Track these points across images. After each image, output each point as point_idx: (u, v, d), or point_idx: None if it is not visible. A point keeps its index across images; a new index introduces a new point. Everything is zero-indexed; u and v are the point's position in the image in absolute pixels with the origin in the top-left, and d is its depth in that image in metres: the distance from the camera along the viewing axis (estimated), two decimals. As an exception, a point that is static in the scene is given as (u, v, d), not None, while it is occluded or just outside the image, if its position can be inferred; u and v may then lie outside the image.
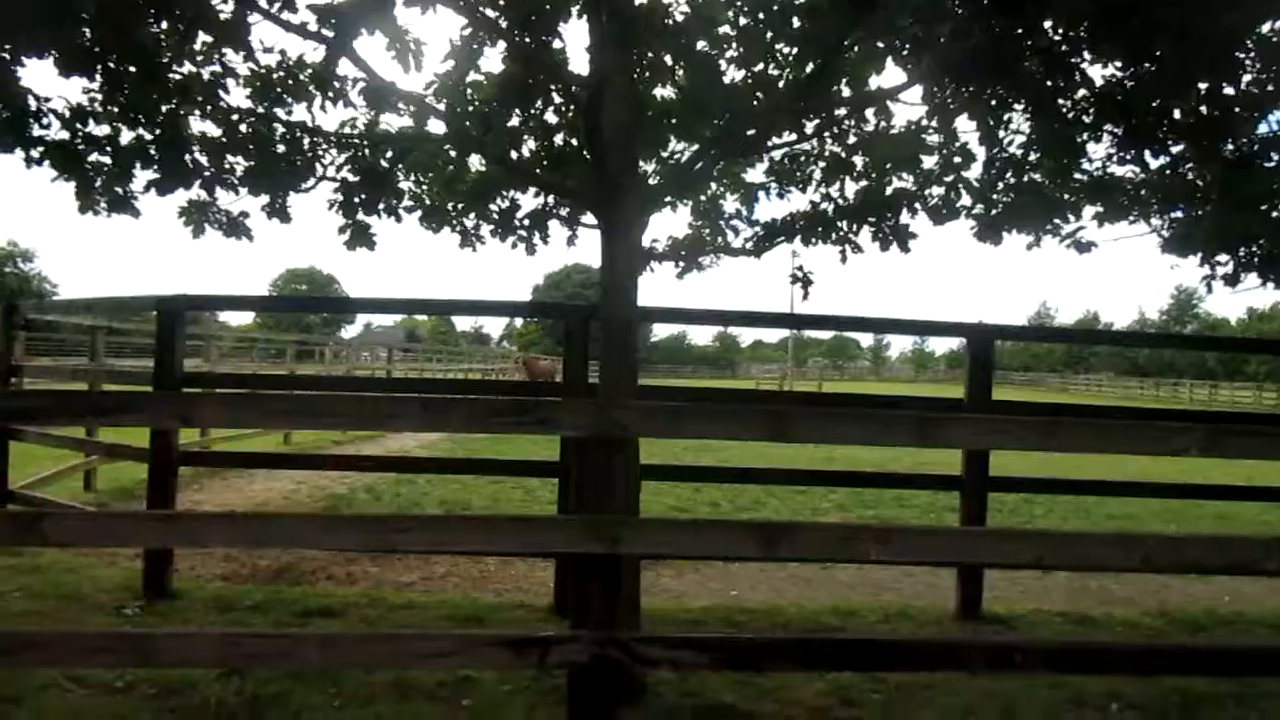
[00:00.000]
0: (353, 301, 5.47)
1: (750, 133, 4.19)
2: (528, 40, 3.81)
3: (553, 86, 4.31)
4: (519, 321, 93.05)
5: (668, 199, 4.67)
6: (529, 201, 5.04)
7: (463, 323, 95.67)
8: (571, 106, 4.33)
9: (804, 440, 2.81)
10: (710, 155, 4.25)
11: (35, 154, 4.15)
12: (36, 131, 4.06)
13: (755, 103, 4.20)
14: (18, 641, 2.60)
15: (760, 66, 4.23)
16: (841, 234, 5.05)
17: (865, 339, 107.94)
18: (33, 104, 3.99)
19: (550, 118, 4.58)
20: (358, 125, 4.56)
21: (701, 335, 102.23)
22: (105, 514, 2.95)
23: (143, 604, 5.35)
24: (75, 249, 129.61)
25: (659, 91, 4.57)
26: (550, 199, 4.93)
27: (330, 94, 4.35)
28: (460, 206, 4.95)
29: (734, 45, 4.21)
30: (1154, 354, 69.33)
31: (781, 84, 4.21)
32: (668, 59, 4.22)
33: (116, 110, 4.42)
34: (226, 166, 4.44)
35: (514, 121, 4.51)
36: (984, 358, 5.67)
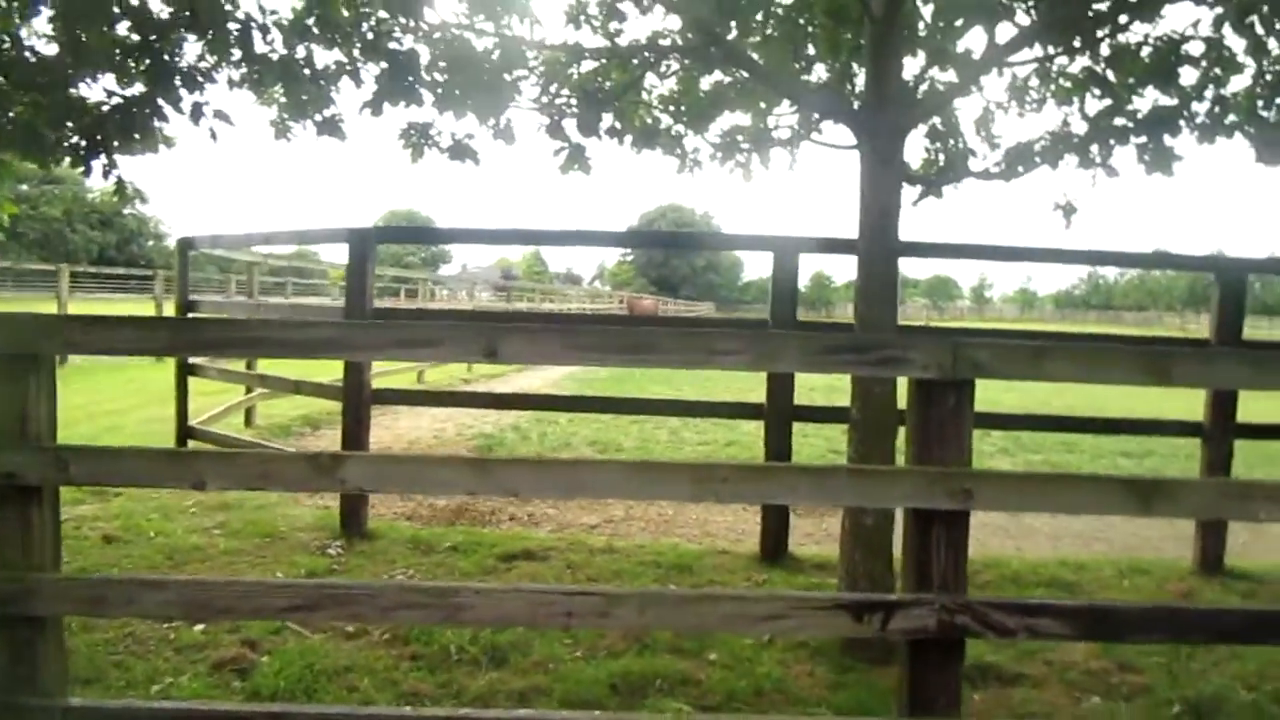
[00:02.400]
0: (554, 233, 5.22)
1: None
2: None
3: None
4: (610, 262, 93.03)
5: (935, 111, 4.24)
6: (745, 123, 4.65)
7: (555, 263, 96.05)
8: (833, 10, 3.91)
9: (1186, 383, 2.43)
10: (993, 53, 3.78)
11: (251, 73, 3.97)
12: (260, 48, 3.87)
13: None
14: (320, 595, 2.42)
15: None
16: (1094, 157, 4.55)
17: (967, 279, 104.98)
18: (257, 17, 3.80)
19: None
20: (577, 39, 4.24)
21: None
22: (408, 458, 2.75)
23: (343, 544, 5.29)
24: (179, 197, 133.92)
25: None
26: (776, 120, 4.54)
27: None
28: (682, 128, 4.60)
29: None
30: (1286, 293, 65.47)
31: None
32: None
33: (321, 28, 4.22)
34: (442, 86, 4.17)
35: (768, 29, 4.11)
36: (1238, 294, 5.12)
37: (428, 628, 3.84)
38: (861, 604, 2.46)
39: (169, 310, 8.64)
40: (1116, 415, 6.23)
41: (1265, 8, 4.33)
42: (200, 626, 3.83)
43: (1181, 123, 4.52)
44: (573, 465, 2.72)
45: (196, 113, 4.09)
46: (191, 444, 6.97)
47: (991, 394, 6.79)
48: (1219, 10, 4.24)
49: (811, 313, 78.11)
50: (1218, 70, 4.69)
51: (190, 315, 6.92)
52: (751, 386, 5.74)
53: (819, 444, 9.06)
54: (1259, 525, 6.11)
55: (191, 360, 7.06)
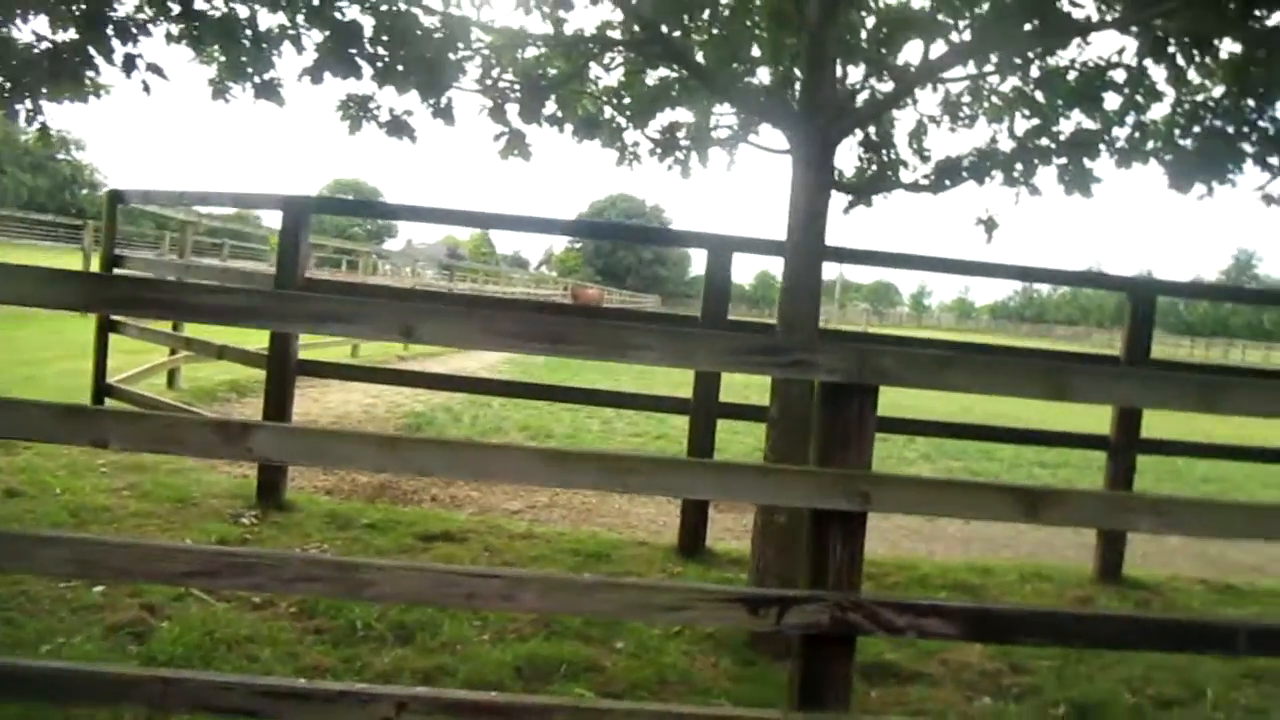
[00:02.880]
0: (491, 216, 5.21)
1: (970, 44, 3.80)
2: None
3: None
4: (558, 248, 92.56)
5: (866, 121, 4.32)
6: (688, 119, 4.69)
7: (503, 245, 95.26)
8: (776, 15, 3.96)
9: (1083, 400, 2.53)
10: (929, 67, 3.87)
11: (189, 29, 3.89)
12: (199, 5, 3.80)
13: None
14: (220, 562, 2.40)
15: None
16: (1019, 175, 4.69)
17: (907, 287, 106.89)
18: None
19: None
20: (524, 24, 4.24)
21: (744, 274, 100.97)
22: (317, 431, 2.73)
23: (257, 513, 5.22)
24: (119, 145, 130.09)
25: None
26: (717, 119, 4.59)
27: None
28: (623, 121, 4.62)
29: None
30: (1207, 314, 68.02)
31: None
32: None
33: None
34: (383, 60, 4.13)
35: (714, 29, 4.15)
36: (1146, 314, 5.32)
37: (337, 602, 3.82)
38: (758, 598, 2.53)
39: (95, 263, 8.40)
40: (1045, 426, 6.44)
41: (1185, 39, 4.52)
42: (100, 588, 3.77)
43: (1102, 147, 4.68)
44: (481, 449, 2.74)
45: (129, 64, 4.00)
46: (109, 402, 6.82)
47: (926, 401, 7.00)
48: (1142, 40, 4.39)
49: (755, 311, 78.72)
50: (1139, 98, 4.87)
51: (114, 270, 6.76)
52: (690, 381, 5.78)
53: (750, 441, 9.17)
54: (1162, 537, 6.39)
55: (114, 317, 6.90)
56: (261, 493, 5.39)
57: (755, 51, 4.31)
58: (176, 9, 3.96)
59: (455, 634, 3.78)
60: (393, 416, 9.60)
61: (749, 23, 4.21)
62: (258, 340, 7.06)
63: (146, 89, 4.10)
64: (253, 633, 3.56)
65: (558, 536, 5.41)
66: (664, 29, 3.84)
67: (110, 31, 4.02)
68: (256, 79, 4.26)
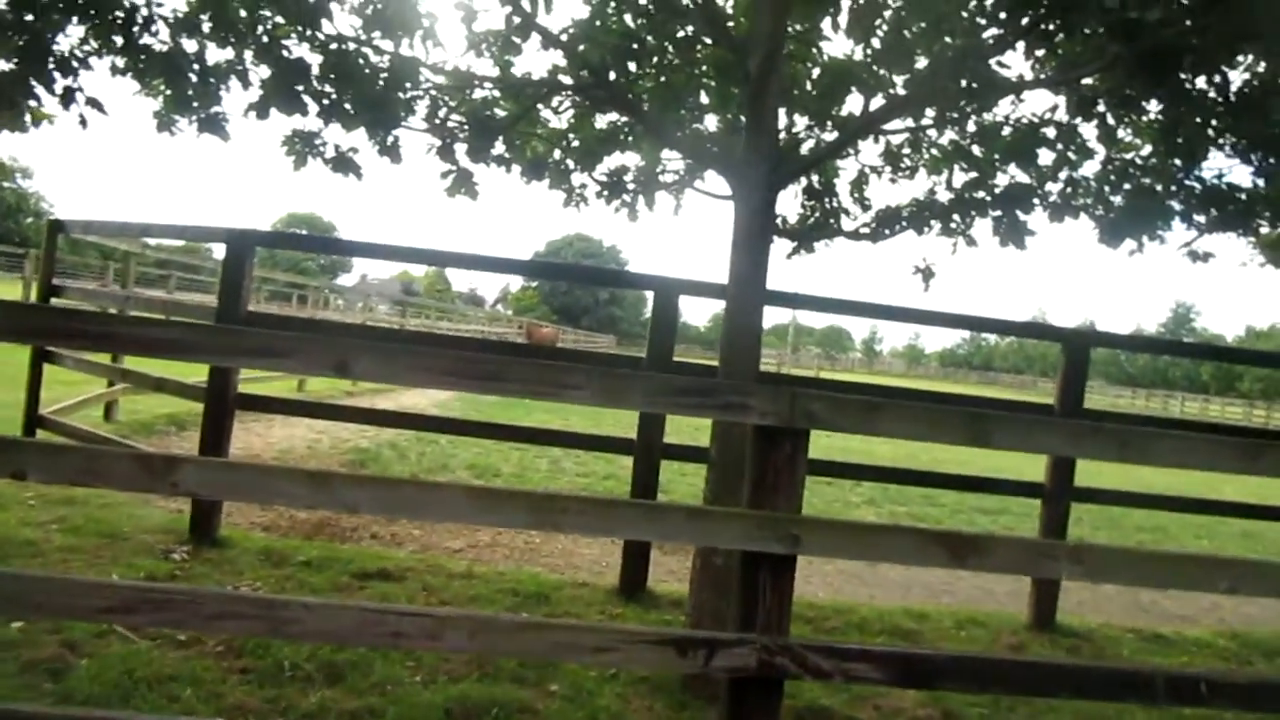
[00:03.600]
0: (437, 254, 5.18)
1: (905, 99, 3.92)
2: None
3: (706, 40, 4.02)
4: (515, 286, 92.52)
5: (807, 170, 4.42)
6: (636, 164, 4.77)
7: (458, 282, 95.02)
8: (720, 66, 4.05)
9: (1005, 448, 2.59)
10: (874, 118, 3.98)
11: (134, 63, 3.87)
12: (145, 39, 3.78)
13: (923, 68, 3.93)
14: (138, 598, 2.35)
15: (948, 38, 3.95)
16: (956, 226, 4.81)
17: (859, 332, 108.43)
18: (143, 9, 3.71)
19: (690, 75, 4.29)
20: (474, 66, 4.27)
21: (699, 316, 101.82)
22: (247, 466, 2.70)
23: (189, 549, 5.11)
24: (71, 173, 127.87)
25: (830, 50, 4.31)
26: (664, 164, 4.66)
27: (463, 24, 4.03)
28: (571, 163, 4.68)
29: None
30: (1147, 365, 69.81)
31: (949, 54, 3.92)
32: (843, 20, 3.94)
33: (214, 26, 4.15)
34: (329, 97, 4.15)
35: (661, 77, 4.22)
36: (1080, 364, 5.46)
37: (265, 641, 3.75)
38: (687, 640, 2.53)
39: (35, 292, 8.24)
40: (991, 472, 6.54)
41: (1113, 99, 4.69)
42: (18, 624, 3.65)
43: (1036, 201, 4.82)
44: (413, 486, 2.73)
45: (68, 97, 3.97)
46: (40, 434, 6.66)
47: (873, 445, 7.08)
48: (1070, 99, 4.56)
49: (710, 353, 79.06)
50: (1071, 154, 5.05)
51: (51, 300, 6.63)
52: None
53: (697, 483, 9.16)
54: (1099, 585, 6.49)
55: (50, 348, 6.75)
56: (194, 528, 5.28)
57: (702, 99, 4.40)
58: (120, 42, 3.94)
59: (386, 674, 3.72)
60: (337, 452, 9.46)
61: (695, 71, 4.30)
62: (200, 373, 6.95)
63: (84, 123, 4.06)
64: (175, 671, 3.47)
65: (497, 576, 5.35)
66: (611, 75, 3.91)
67: (51, 64, 3.98)
68: (202, 113, 4.24)
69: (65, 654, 3.51)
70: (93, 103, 4.00)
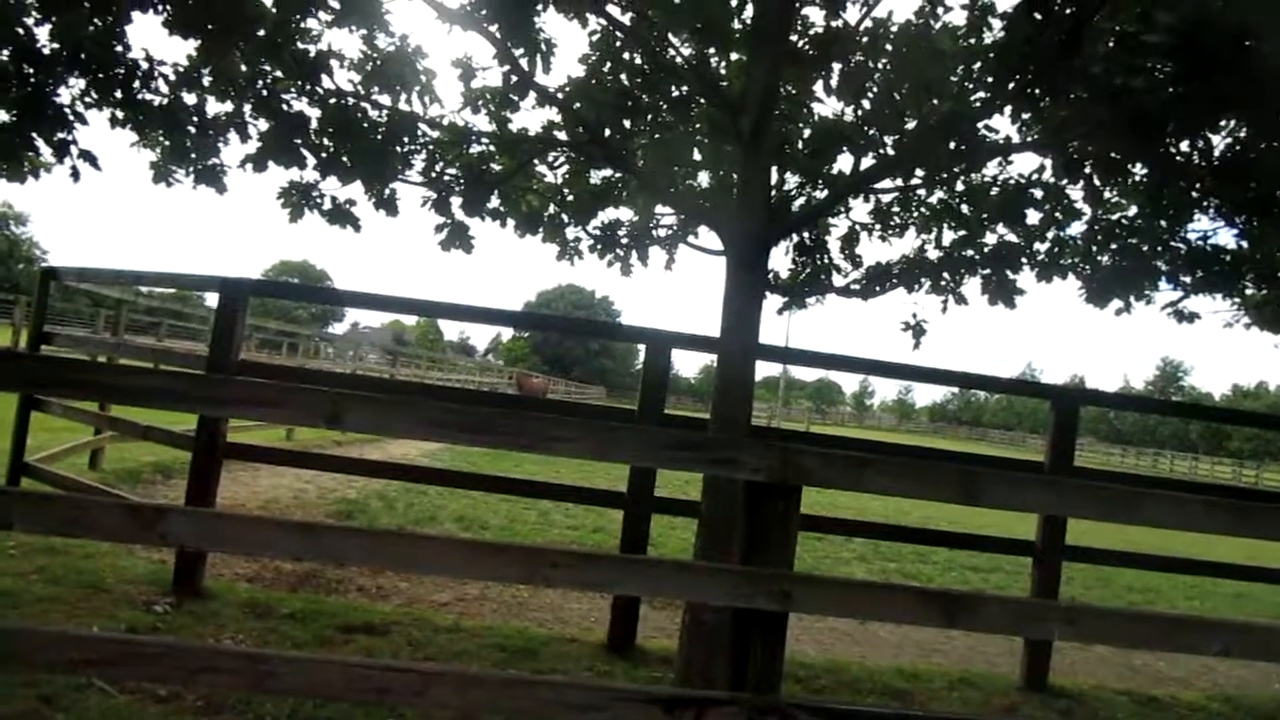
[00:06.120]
0: (428, 305, 5.18)
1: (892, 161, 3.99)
2: (686, 56, 3.60)
3: (699, 100, 4.10)
4: (506, 335, 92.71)
5: (798, 226, 4.48)
6: (630, 218, 4.82)
7: (450, 331, 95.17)
8: (713, 125, 4.13)
9: (994, 505, 2.59)
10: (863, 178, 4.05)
11: (133, 115, 3.91)
12: (146, 95, 3.83)
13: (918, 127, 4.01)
14: (119, 651, 2.32)
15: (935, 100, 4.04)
16: (946, 283, 4.86)
17: (850, 385, 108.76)
18: (144, 64, 3.76)
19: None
20: (471, 122, 4.34)
21: (690, 367, 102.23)
22: (234, 517, 2.68)
23: (173, 601, 5.03)
24: (65, 219, 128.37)
25: (821, 110, 4.40)
26: (657, 219, 4.71)
27: (461, 81, 4.10)
28: (566, 217, 4.72)
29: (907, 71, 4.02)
30: (1137, 423, 70.01)
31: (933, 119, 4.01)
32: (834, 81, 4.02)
33: (214, 80, 4.21)
34: (327, 150, 4.20)
35: (655, 135, 4.29)
36: (1069, 422, 5.47)
37: (247, 696, 3.68)
38: (674, 699, 2.50)
39: (24, 339, 8.23)
40: (982, 529, 6.51)
41: (1099, 162, 4.78)
42: (-7, 679, 3.58)
43: (1024, 260, 4.88)
44: (402, 538, 2.71)
45: (62, 150, 4.00)
46: (24, 482, 6.59)
47: (864, 502, 7.01)
48: (1056, 161, 4.64)
49: (700, 405, 79.06)
50: (1058, 215, 5.12)
51: (41, 348, 6.62)
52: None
53: (687, 537, 9.10)
54: (1091, 646, 6.44)
55: (38, 396, 6.72)
56: (178, 579, 5.21)
57: (695, 156, 4.47)
58: (119, 95, 3.99)
59: (369, 732, 3.65)
60: (324, 502, 9.38)
61: (688, 130, 4.37)
62: (188, 421, 6.92)
63: (76, 176, 4.10)
64: (156, 728, 3.40)
65: (485, 631, 5.28)
66: (606, 133, 3.98)
67: (49, 114, 4.03)
68: (200, 164, 4.28)
69: (41, 708, 3.44)
70: (86, 156, 4.03)
